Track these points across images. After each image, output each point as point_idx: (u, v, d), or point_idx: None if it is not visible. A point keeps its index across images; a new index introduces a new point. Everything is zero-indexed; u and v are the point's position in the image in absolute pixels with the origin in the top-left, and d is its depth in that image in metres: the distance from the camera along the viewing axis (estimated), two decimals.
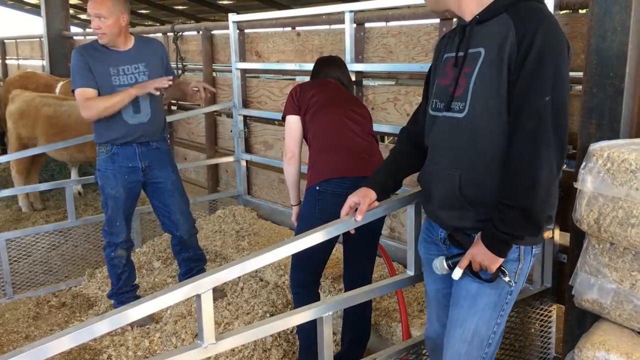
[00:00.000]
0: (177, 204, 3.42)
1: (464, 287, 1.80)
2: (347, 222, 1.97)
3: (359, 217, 1.93)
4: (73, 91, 3.19)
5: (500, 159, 1.67)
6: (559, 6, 2.57)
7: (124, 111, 3.18)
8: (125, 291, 3.45)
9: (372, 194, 1.95)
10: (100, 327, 1.60)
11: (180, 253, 3.55)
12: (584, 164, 1.93)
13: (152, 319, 3.38)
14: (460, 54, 1.73)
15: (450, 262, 1.78)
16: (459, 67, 1.72)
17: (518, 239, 1.67)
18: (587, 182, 1.90)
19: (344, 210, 1.96)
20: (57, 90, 6.09)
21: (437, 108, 1.81)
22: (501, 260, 1.69)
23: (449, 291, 1.92)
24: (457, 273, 1.75)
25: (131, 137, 3.24)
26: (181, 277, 3.61)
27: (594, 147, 1.93)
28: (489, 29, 1.67)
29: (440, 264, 1.80)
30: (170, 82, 3.15)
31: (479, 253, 1.70)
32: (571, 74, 2.86)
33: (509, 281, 1.74)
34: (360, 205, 1.92)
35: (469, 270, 1.75)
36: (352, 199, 1.95)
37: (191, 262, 3.55)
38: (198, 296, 1.73)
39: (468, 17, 1.74)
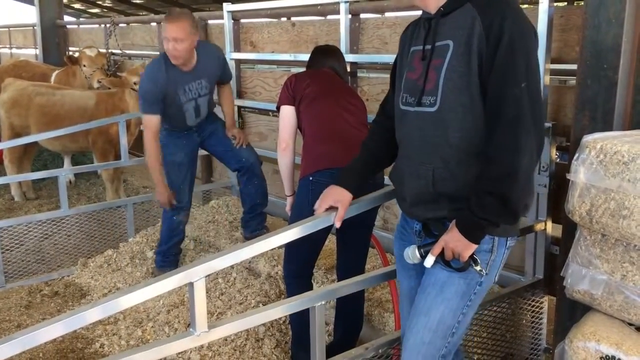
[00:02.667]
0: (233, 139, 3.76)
1: (433, 275, 1.77)
2: (326, 218, 1.94)
3: (338, 224, 1.93)
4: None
5: (473, 152, 1.66)
6: None
7: (187, 117, 3.56)
8: (173, 253, 3.79)
9: (348, 198, 1.94)
10: (92, 314, 1.60)
11: (247, 185, 3.78)
12: (577, 155, 1.94)
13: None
14: (428, 47, 1.71)
15: (422, 250, 1.75)
16: (427, 60, 1.70)
17: (493, 225, 1.65)
18: (580, 173, 1.91)
19: (319, 210, 1.94)
20: (52, 79, 6.06)
21: (407, 102, 1.78)
22: (474, 247, 1.66)
23: None
24: (429, 261, 1.73)
25: (187, 130, 3.65)
26: (245, 215, 3.86)
27: (587, 138, 1.94)
28: (455, 21, 1.65)
29: (412, 253, 1.77)
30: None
31: (452, 239, 1.67)
32: (566, 66, 2.89)
33: (480, 270, 1.70)
34: (339, 211, 1.91)
35: (441, 259, 1.73)
36: (327, 202, 1.93)
37: (257, 196, 3.79)
38: (191, 284, 1.73)
39: (433, 10, 1.71)
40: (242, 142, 3.76)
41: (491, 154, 1.60)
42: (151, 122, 3.47)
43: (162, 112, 3.47)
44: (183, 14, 3.35)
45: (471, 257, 1.68)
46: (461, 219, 1.66)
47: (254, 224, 3.85)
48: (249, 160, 3.74)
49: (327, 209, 1.94)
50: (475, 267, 1.70)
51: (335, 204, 1.92)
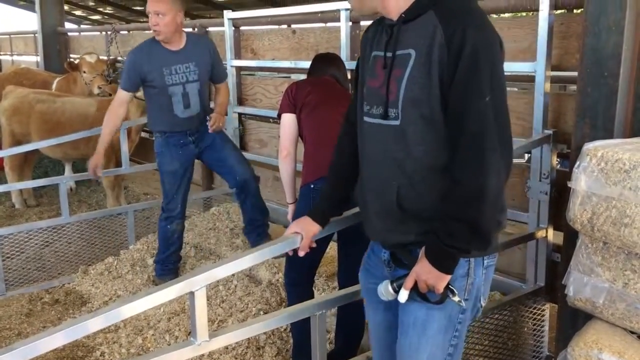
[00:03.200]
0: (229, 152, 3.72)
1: (411, 314, 1.65)
2: (293, 240, 1.88)
3: (301, 253, 1.87)
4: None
5: (438, 168, 1.55)
6: (554, 6, 2.57)
7: (175, 106, 3.53)
8: (172, 261, 3.79)
9: (315, 229, 1.86)
10: (94, 323, 1.59)
11: (245, 202, 3.80)
12: (577, 163, 1.94)
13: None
14: (389, 54, 1.58)
15: (395, 285, 1.62)
16: (388, 69, 1.57)
17: (465, 252, 1.53)
18: (581, 181, 1.91)
19: (287, 232, 1.89)
20: (53, 87, 6.06)
21: (368, 113, 1.64)
22: (447, 277, 1.54)
23: (390, 324, 1.78)
24: (402, 295, 1.59)
25: (180, 128, 3.59)
26: (246, 227, 3.90)
27: (588, 146, 1.94)
28: (417, 29, 1.53)
29: (385, 289, 1.63)
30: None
31: (423, 271, 1.54)
32: (566, 73, 2.89)
33: (459, 301, 1.57)
34: (303, 241, 1.84)
35: (416, 293, 1.59)
36: (294, 229, 1.87)
37: (255, 211, 3.81)
38: (191, 293, 1.73)
39: (395, 16, 1.59)
40: (216, 126, 3.57)
41: (455, 175, 1.49)
42: (120, 96, 3.57)
43: (135, 91, 3.58)
44: None
45: (447, 287, 1.55)
46: (430, 248, 1.54)
47: (254, 236, 3.87)
48: (242, 176, 3.71)
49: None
50: (453, 299, 1.57)
51: (301, 231, 1.85)
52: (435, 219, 1.54)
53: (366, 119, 1.66)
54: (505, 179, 1.50)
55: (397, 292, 1.61)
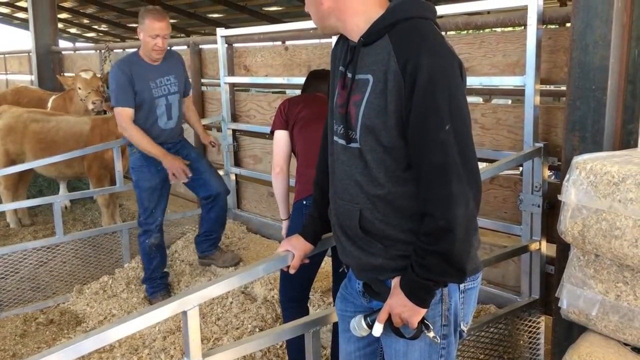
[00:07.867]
0: (205, 166, 3.83)
1: (392, 347, 1.61)
2: (284, 258, 1.88)
3: (292, 271, 1.86)
4: (112, 107, 3.65)
5: (402, 194, 1.51)
6: (542, 21, 2.60)
7: (159, 118, 3.65)
8: (157, 277, 3.83)
9: (306, 247, 1.85)
10: (86, 345, 1.59)
11: (209, 212, 3.88)
12: (567, 176, 1.95)
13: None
14: (349, 75, 1.55)
15: (369, 319, 1.58)
16: (347, 92, 1.54)
17: (440, 285, 1.49)
18: (571, 194, 1.92)
19: (279, 249, 1.89)
20: (49, 105, 6.08)
21: (337, 133, 1.61)
22: (423, 311, 1.49)
23: (363, 352, 1.76)
24: (377, 329, 1.55)
25: (160, 141, 3.65)
26: (200, 236, 3.99)
27: (578, 159, 1.95)
28: (374, 54, 1.48)
29: (358, 324, 1.61)
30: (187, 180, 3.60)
31: (397, 304, 1.50)
32: (555, 87, 2.92)
33: (434, 337, 1.52)
34: (294, 261, 1.83)
35: (390, 328, 1.54)
36: (285, 247, 1.86)
37: (216, 224, 3.91)
38: (184, 313, 1.73)
39: (355, 37, 1.53)
40: (219, 147, 4.06)
41: (423, 207, 1.45)
42: (125, 113, 3.54)
43: (135, 107, 3.54)
44: (163, 11, 3.61)
45: (422, 322, 1.51)
46: (405, 280, 1.50)
47: (206, 246, 3.96)
48: (217, 189, 3.80)
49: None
50: (428, 334, 1.52)
51: (292, 249, 1.84)
52: (402, 241, 1.52)
53: (335, 138, 1.62)
54: (476, 206, 1.45)
55: (370, 327, 1.58)
